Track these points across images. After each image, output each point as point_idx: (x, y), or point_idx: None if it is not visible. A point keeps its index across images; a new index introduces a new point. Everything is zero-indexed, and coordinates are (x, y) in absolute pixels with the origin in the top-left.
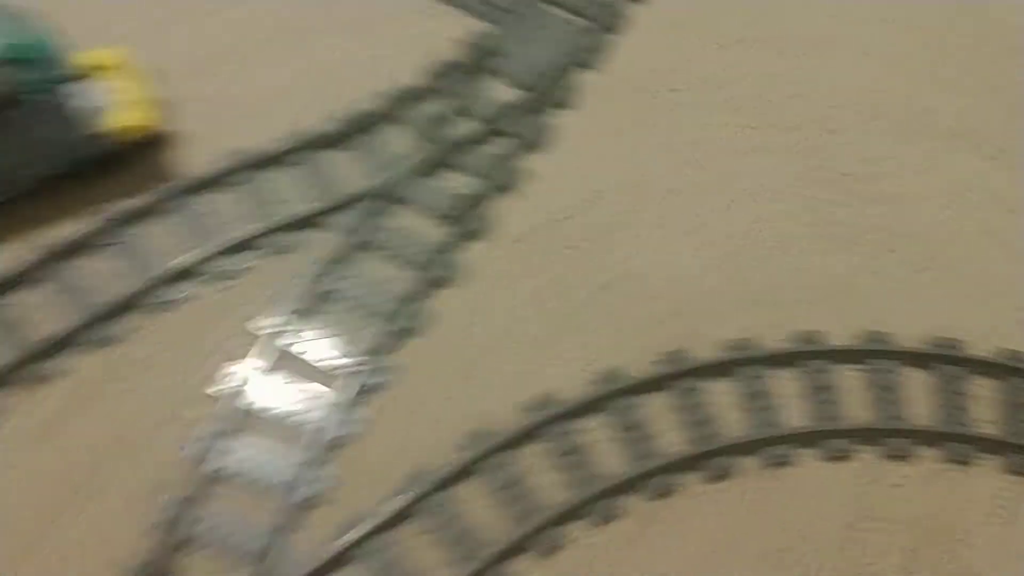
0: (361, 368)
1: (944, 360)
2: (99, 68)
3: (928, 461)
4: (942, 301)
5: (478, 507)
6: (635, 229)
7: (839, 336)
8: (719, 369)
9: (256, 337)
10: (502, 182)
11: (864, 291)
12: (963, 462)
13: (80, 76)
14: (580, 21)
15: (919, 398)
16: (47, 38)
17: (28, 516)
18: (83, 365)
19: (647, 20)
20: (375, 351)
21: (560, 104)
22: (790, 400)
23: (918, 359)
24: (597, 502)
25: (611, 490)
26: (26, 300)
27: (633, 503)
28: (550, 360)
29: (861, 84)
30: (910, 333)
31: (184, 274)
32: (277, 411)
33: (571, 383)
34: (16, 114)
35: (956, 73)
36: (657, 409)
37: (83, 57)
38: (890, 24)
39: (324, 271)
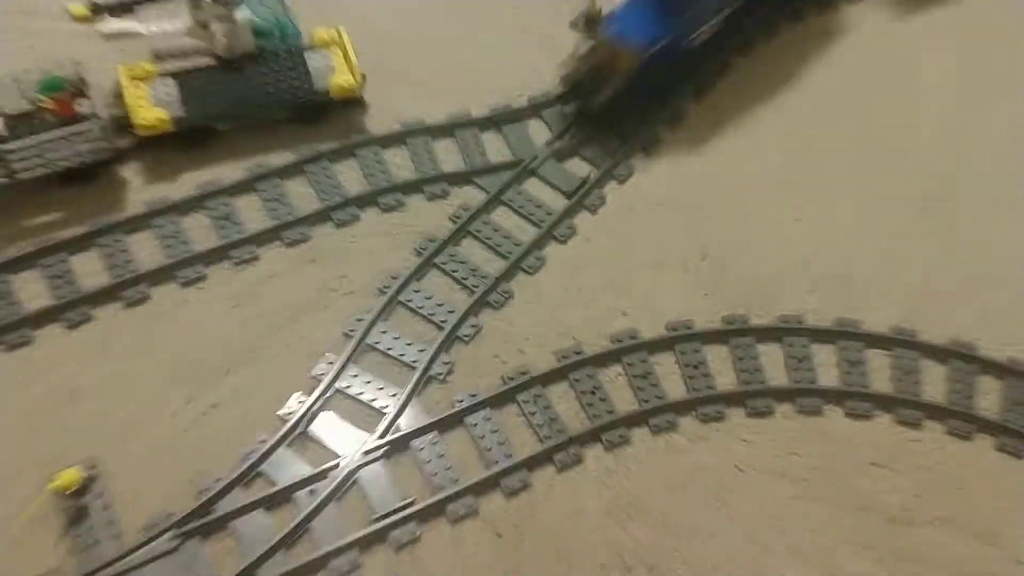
0: (484, 289)
1: (957, 356)
2: (322, 41)
3: (935, 432)
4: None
5: (564, 403)
6: (722, 215)
7: (876, 324)
8: (771, 334)
9: (414, 253)
10: (616, 171)
11: (922, 294)
12: (964, 437)
13: (308, 47)
14: None
15: (935, 383)
16: (288, 18)
17: (240, 345)
18: (275, 255)
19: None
20: (497, 279)
21: (675, 118)
22: (828, 368)
23: (936, 353)
24: (658, 415)
25: (670, 408)
26: (240, 204)
27: (686, 422)
28: (635, 306)
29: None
30: (938, 333)
31: (359, 201)
32: (422, 306)
33: (650, 326)
34: (259, 69)
35: None
36: (717, 356)
37: (312, 33)
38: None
39: (467, 217)
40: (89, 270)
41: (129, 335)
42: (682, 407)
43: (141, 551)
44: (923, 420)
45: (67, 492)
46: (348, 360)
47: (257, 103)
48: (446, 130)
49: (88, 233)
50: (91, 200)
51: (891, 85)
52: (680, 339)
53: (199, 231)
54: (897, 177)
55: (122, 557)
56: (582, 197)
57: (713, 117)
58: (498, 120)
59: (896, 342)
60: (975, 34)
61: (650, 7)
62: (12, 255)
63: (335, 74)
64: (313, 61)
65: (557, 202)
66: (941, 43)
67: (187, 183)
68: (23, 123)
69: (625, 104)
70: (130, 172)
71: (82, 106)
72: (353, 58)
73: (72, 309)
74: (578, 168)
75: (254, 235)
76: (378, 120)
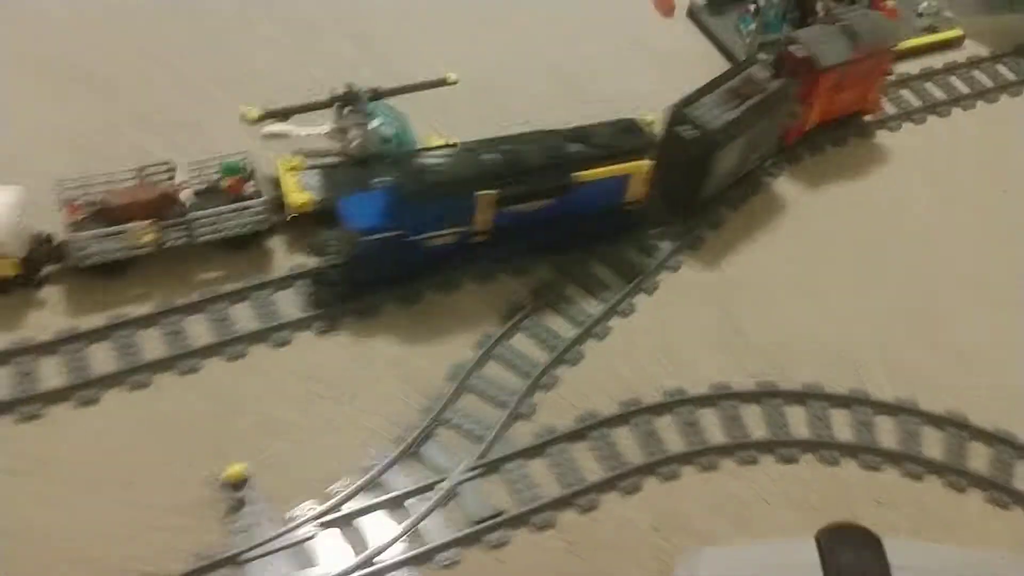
0: (561, 348)
1: (952, 424)
2: (434, 147)
3: (935, 484)
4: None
5: (626, 441)
6: (751, 304)
7: (883, 393)
8: (798, 398)
9: (504, 318)
10: (669, 263)
11: (915, 371)
12: (959, 489)
13: (423, 149)
14: None
15: (932, 444)
16: (408, 128)
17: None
18: (392, 311)
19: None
20: (571, 341)
21: (715, 224)
22: (843, 427)
23: (934, 420)
24: (703, 456)
25: (712, 450)
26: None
27: (725, 463)
28: (683, 369)
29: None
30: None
31: (459, 273)
32: (511, 359)
33: (696, 385)
34: (381, 167)
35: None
36: (751, 412)
37: (427, 140)
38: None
39: (546, 291)
40: (244, 317)
41: (275, 366)
42: (722, 451)
43: (286, 536)
44: (924, 474)
45: (231, 483)
46: (451, 397)
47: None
48: None
49: (244, 288)
50: (246, 263)
51: (878, 212)
52: (721, 397)
53: (330, 291)
54: (890, 279)
55: (271, 540)
56: (640, 283)
57: (745, 229)
58: None
59: (900, 409)
60: (944, 169)
61: (380, 200)
62: (184, 302)
63: None
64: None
65: (620, 284)
66: (916, 177)
67: None
68: (205, 198)
69: (361, 280)
70: (277, 242)
71: (249, 188)
72: None
73: (231, 346)
74: (637, 257)
75: (375, 295)
76: None
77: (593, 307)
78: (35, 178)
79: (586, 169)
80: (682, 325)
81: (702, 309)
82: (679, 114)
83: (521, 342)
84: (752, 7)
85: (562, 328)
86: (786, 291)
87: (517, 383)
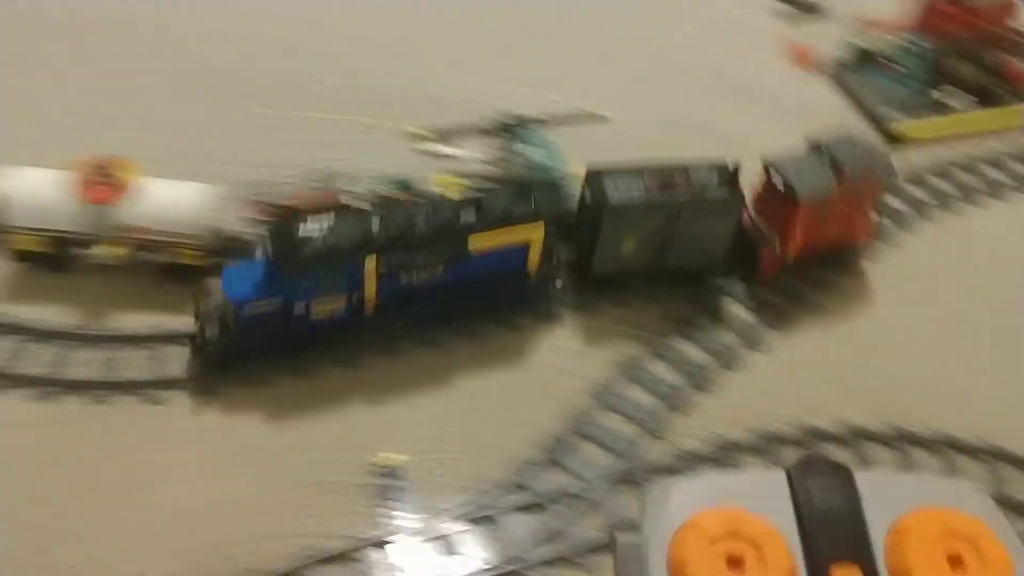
0: (696, 375)
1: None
2: (578, 176)
3: None
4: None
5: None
6: (891, 349)
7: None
8: (931, 445)
9: (644, 344)
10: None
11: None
12: None
13: (567, 178)
14: None
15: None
16: (559, 158)
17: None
18: (552, 337)
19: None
20: (705, 369)
21: (820, 286)
22: (971, 476)
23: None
24: None
25: None
26: None
27: None
28: (814, 406)
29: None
30: None
31: (600, 300)
32: (650, 382)
33: (828, 422)
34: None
35: None
36: (876, 451)
37: (571, 166)
38: None
39: (684, 322)
40: None
41: (427, 364)
42: None
43: (434, 527)
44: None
45: (387, 471)
46: (593, 412)
47: None
48: None
49: None
50: None
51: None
52: (847, 435)
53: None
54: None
55: (419, 529)
56: (774, 321)
57: (880, 280)
58: None
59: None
60: None
61: (257, 270)
62: None
63: None
64: (570, 189)
65: (754, 321)
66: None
67: None
68: None
69: (241, 351)
70: None
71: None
72: None
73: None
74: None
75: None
76: None
77: (728, 338)
78: None
79: (477, 236)
80: (815, 364)
81: (836, 351)
82: (590, 176)
83: (659, 368)
84: (894, 66)
85: (697, 357)
86: (923, 336)
87: (653, 404)
